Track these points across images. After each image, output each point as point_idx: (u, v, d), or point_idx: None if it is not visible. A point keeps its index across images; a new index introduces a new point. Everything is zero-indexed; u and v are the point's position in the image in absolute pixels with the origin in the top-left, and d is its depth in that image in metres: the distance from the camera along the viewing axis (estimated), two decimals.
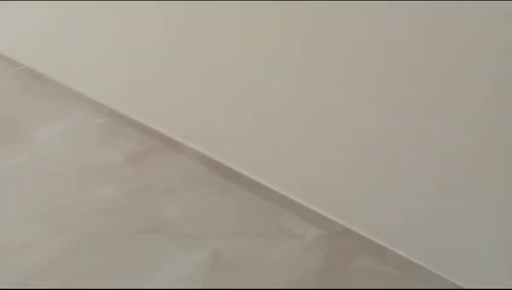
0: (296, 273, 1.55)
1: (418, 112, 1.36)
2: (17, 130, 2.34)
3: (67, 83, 2.61)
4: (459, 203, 1.37)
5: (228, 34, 1.74)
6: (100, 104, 2.47)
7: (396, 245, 1.54)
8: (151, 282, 1.52)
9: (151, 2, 1.93)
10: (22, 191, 1.95)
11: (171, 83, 2.07)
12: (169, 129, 2.21)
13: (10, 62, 2.90)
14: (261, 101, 1.76)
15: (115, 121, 2.42)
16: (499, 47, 1.16)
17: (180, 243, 1.68)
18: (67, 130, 2.36)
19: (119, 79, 2.32)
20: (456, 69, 1.25)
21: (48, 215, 1.82)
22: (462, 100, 1.26)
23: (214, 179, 2.04)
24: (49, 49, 2.62)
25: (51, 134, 2.32)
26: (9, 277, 1.55)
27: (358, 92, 1.47)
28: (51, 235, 1.72)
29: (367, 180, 1.55)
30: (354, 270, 1.57)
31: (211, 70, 1.88)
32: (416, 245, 1.50)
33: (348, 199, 1.64)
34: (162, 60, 2.05)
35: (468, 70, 1.23)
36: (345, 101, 1.51)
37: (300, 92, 1.62)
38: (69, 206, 1.87)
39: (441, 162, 1.36)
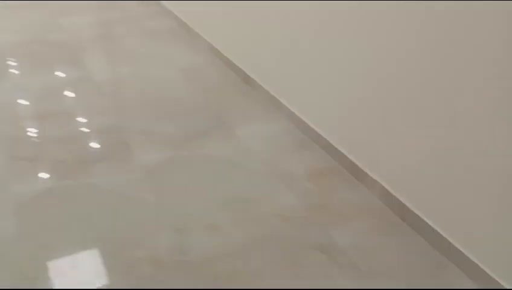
0: None
1: None
2: (222, 124, 2.67)
3: (271, 91, 2.86)
4: None
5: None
6: (295, 116, 2.64)
7: None
8: None
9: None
10: (217, 178, 2.22)
11: (370, 112, 2.10)
12: (355, 155, 2.25)
13: (227, 63, 3.31)
14: (457, 148, 1.67)
15: (304, 135, 2.56)
16: None
17: (346, 272, 1.70)
18: (263, 133, 2.60)
19: (318, 97, 2.44)
20: None
21: (234, 205, 2.04)
22: None
23: (389, 217, 2.01)
24: (262, 58, 2.91)
25: (249, 133, 2.58)
26: (193, 253, 1.79)
27: None
28: (233, 224, 1.94)
29: None
30: None
31: (418, 109, 1.85)
32: None
33: None
34: (368, 90, 2.09)
35: None
36: None
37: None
38: (253, 203, 2.06)
39: None
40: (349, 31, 2.11)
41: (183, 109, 2.80)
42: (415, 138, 1.88)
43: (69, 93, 2.94)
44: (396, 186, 2.03)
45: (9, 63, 3.26)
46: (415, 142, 1.88)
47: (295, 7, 2.46)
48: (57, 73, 3.19)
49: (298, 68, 2.56)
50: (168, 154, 2.36)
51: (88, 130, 2.57)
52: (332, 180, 2.24)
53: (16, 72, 3.16)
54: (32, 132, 2.53)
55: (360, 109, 2.15)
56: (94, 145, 2.47)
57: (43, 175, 2.19)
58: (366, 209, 2.05)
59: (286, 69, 2.68)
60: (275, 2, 2.63)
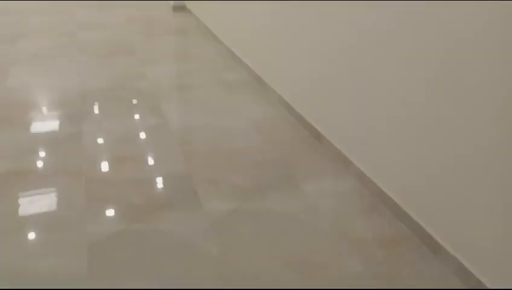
0: None
1: None
2: (290, 178, 2.65)
3: (341, 148, 2.82)
4: None
5: None
6: (365, 176, 2.57)
7: None
8: None
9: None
10: (281, 235, 2.18)
11: (450, 180, 1.99)
12: (430, 224, 2.12)
13: (297, 117, 3.33)
14: None
15: (374, 197, 2.47)
16: None
17: None
18: (330, 191, 2.54)
19: (390, 158, 2.37)
20: None
21: (299, 266, 1.98)
22: None
23: None
24: (333, 114, 2.90)
25: (316, 191, 2.53)
26: None
27: None
28: (299, 286, 1.87)
29: None
30: None
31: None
32: None
33: None
34: (448, 155, 1.99)
35: None
36: None
37: None
38: (319, 265, 1.99)
39: None
40: (428, 93, 2.05)
41: (252, 161, 2.83)
42: (499, 212, 1.74)
43: (145, 139, 3.10)
44: (475, 263, 1.87)
45: (95, 106, 3.52)
46: (500, 217, 1.74)
47: (371, 63, 2.45)
48: (136, 118, 3.39)
49: (370, 126, 2.51)
50: (235, 206, 2.37)
51: (160, 176, 2.66)
52: (403, 249, 2.11)
53: (100, 115, 3.39)
54: (108, 173, 2.67)
55: (437, 175, 2.05)
56: (164, 191, 2.54)
57: (115, 217, 2.28)
58: (439, 285, 1.90)
59: (357, 126, 2.64)
60: (346, 58, 2.64)
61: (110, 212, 2.31)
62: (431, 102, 2.04)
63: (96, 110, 3.46)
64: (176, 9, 6.66)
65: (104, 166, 2.74)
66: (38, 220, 2.23)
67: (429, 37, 2.00)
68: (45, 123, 3.27)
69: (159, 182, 2.61)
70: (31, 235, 2.14)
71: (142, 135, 3.13)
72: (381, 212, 2.37)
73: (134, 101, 3.66)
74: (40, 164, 2.73)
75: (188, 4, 6.56)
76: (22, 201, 2.38)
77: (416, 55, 2.09)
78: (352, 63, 2.63)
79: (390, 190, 2.39)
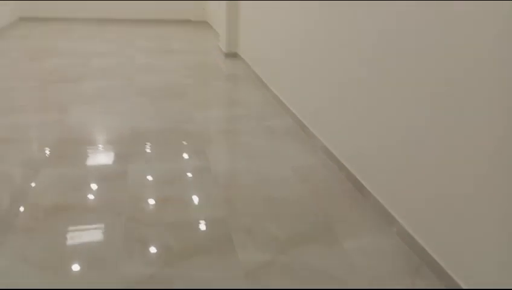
0: None
1: None
2: (328, 232, 2.56)
3: (384, 203, 2.71)
4: None
5: None
6: (409, 235, 2.44)
7: None
8: None
9: None
10: None
11: (504, 244, 1.84)
12: None
13: (340, 167, 3.27)
14: None
15: (418, 258, 2.33)
16: None
17: None
18: (371, 249, 2.43)
19: (438, 217, 2.24)
20: None
21: None
22: None
23: None
24: (377, 166, 2.81)
25: (356, 247, 2.43)
26: None
27: None
28: None
29: None
30: None
31: None
32: None
33: None
34: (503, 220, 1.86)
35: None
36: None
37: None
38: None
39: None
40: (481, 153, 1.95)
41: (291, 210, 2.78)
42: None
43: (188, 181, 3.14)
44: None
45: (144, 147, 3.64)
46: None
47: (416, 120, 2.38)
48: (181, 160, 3.46)
49: (414, 184, 2.41)
50: (269, 257, 2.31)
51: (198, 220, 2.66)
52: None
53: (147, 155, 3.50)
54: (149, 214, 2.71)
55: (488, 238, 1.91)
56: (201, 236, 2.53)
57: (149, 259, 2.28)
58: None
59: (401, 182, 2.54)
60: (391, 112, 2.59)
61: (145, 254, 2.32)
62: (485, 160, 1.93)
63: (144, 151, 3.57)
64: (228, 56, 6.91)
65: (146, 206, 2.79)
66: (76, 256, 2.28)
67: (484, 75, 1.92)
68: (95, 161, 3.41)
69: (197, 226, 2.61)
70: (67, 271, 2.18)
71: (186, 177, 3.18)
72: (425, 275, 2.22)
73: (182, 144, 3.75)
74: (84, 200, 2.83)
75: (240, 51, 6.78)
76: (64, 236, 2.45)
77: (462, 105, 2.01)
78: (396, 120, 2.57)
79: (436, 251, 2.24)
